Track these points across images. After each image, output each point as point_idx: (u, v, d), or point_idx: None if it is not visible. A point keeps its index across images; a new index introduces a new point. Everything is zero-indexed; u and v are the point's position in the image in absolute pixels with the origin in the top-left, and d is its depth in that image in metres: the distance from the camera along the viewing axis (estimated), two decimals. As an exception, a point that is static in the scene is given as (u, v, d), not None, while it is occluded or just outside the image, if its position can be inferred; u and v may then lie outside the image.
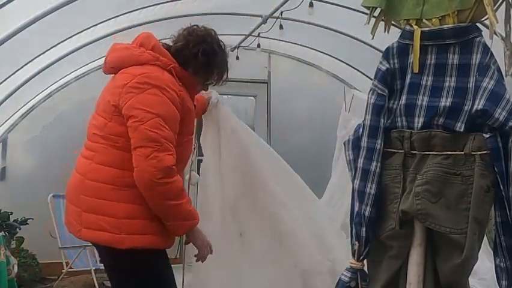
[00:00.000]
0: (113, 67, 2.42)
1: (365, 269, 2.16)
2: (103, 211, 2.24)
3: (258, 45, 5.73)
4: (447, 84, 1.98)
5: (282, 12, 4.80)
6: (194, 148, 2.99)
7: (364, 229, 2.07)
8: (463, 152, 1.91)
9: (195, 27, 2.52)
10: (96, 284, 5.00)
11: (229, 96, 7.12)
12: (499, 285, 1.97)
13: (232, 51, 6.19)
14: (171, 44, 2.55)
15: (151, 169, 2.15)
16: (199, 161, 3.41)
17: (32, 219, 5.27)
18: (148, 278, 2.32)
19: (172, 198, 2.22)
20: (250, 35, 5.67)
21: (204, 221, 2.61)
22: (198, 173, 3.31)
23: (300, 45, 6.39)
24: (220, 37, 2.59)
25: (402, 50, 2.06)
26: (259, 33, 5.54)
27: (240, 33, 5.85)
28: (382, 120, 2.07)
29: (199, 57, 2.42)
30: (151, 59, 2.34)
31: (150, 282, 2.33)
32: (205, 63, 2.44)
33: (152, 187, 2.18)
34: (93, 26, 4.80)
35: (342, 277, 2.14)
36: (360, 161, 2.09)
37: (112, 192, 2.24)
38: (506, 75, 1.92)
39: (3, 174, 6.00)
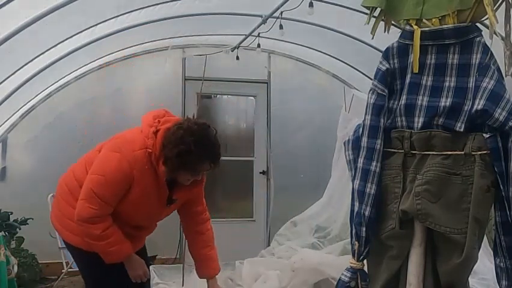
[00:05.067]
0: None
1: (365, 269, 2.17)
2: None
3: (258, 45, 5.72)
4: (447, 84, 1.98)
5: (282, 12, 4.79)
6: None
7: (364, 229, 2.07)
8: (463, 152, 1.91)
9: (183, 125, 2.67)
10: (96, 284, 5.00)
11: (229, 96, 7.14)
12: (499, 285, 1.98)
13: (232, 51, 6.20)
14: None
15: (77, 210, 2.68)
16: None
17: (32, 219, 5.28)
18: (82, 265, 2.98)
19: (89, 238, 2.70)
20: (250, 35, 5.66)
21: None
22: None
23: (300, 45, 6.39)
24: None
25: (402, 50, 2.06)
26: (259, 33, 5.53)
27: (240, 33, 5.84)
28: (382, 120, 2.07)
29: (173, 158, 2.61)
30: (145, 135, 2.68)
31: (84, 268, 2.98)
32: (180, 163, 2.62)
33: (76, 221, 2.70)
34: (93, 26, 4.79)
35: (342, 277, 2.14)
36: (360, 161, 2.09)
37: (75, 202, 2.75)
38: (506, 75, 1.92)
39: (3, 174, 6.00)
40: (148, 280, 3.04)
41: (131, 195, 2.68)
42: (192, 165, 2.65)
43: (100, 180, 2.65)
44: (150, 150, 2.64)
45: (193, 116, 2.88)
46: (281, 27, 4.97)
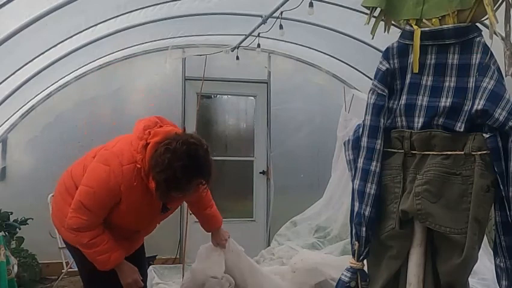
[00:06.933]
0: None
1: (365, 269, 2.16)
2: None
3: (258, 45, 5.72)
4: (447, 84, 1.98)
5: (282, 12, 4.78)
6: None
7: (364, 229, 2.07)
8: (463, 152, 1.91)
9: (171, 145, 2.56)
10: (96, 284, 4.99)
11: (229, 96, 7.14)
12: (499, 285, 1.97)
13: (232, 51, 6.20)
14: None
15: (67, 219, 2.72)
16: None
17: (32, 219, 5.28)
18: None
19: (78, 245, 2.77)
20: (250, 35, 5.66)
21: None
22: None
23: (300, 45, 6.38)
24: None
25: (402, 50, 2.06)
26: (259, 33, 5.53)
27: (240, 33, 5.84)
28: (382, 120, 2.07)
29: (162, 183, 2.56)
30: (135, 149, 2.65)
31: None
32: (169, 187, 2.58)
33: (66, 228, 2.76)
34: (93, 26, 4.79)
35: (342, 277, 2.14)
36: (360, 161, 2.09)
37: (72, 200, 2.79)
38: (506, 75, 1.92)
39: (3, 174, 6.00)
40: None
41: (122, 206, 2.69)
42: (181, 188, 2.62)
43: (88, 192, 2.67)
44: (139, 166, 2.60)
45: (184, 129, 2.82)
46: (281, 27, 4.96)
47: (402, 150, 2.04)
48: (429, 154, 1.97)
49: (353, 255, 2.13)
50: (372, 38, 2.17)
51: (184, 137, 2.62)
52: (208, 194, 3.17)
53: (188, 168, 2.55)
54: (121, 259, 2.79)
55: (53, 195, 5.29)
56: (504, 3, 1.92)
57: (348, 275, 2.13)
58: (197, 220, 3.37)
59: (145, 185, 2.63)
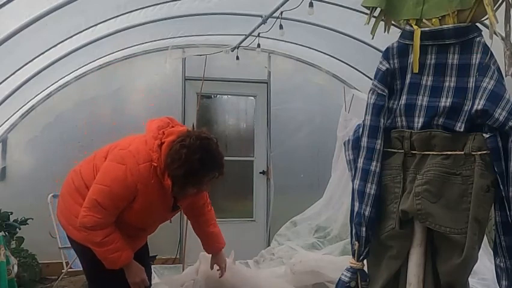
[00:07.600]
0: None
1: (365, 269, 2.17)
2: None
3: (258, 45, 5.72)
4: (447, 84, 1.98)
5: (282, 12, 4.79)
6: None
7: (364, 229, 2.08)
8: (463, 152, 1.91)
9: (186, 142, 2.67)
10: (96, 284, 4.99)
11: (229, 96, 7.14)
12: (499, 285, 1.98)
13: (232, 51, 6.20)
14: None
15: (80, 218, 2.72)
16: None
17: (32, 219, 5.28)
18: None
19: (89, 243, 2.76)
20: (250, 35, 5.66)
21: None
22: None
23: (300, 45, 6.38)
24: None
25: (402, 50, 2.06)
26: (259, 33, 5.53)
27: (240, 33, 5.84)
28: (382, 120, 2.07)
29: (180, 178, 2.67)
30: (150, 148, 2.72)
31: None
32: (188, 181, 2.70)
33: (78, 227, 2.76)
34: (93, 26, 4.79)
35: (342, 277, 2.14)
36: (360, 161, 2.10)
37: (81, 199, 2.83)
38: (506, 75, 1.92)
39: (3, 174, 6.00)
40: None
41: (136, 205, 2.74)
42: (198, 181, 2.74)
43: (104, 190, 2.70)
44: (155, 164, 2.68)
45: (193, 127, 2.91)
46: (281, 27, 4.96)
47: (402, 150, 2.04)
48: (429, 154, 1.97)
49: (353, 255, 2.13)
50: (372, 38, 2.18)
51: (195, 133, 2.75)
52: (212, 211, 3.24)
53: (204, 161, 2.67)
54: (131, 258, 2.82)
55: (53, 195, 5.34)
56: (504, 3, 1.92)
57: (348, 275, 2.13)
58: None
59: (160, 183, 2.70)
